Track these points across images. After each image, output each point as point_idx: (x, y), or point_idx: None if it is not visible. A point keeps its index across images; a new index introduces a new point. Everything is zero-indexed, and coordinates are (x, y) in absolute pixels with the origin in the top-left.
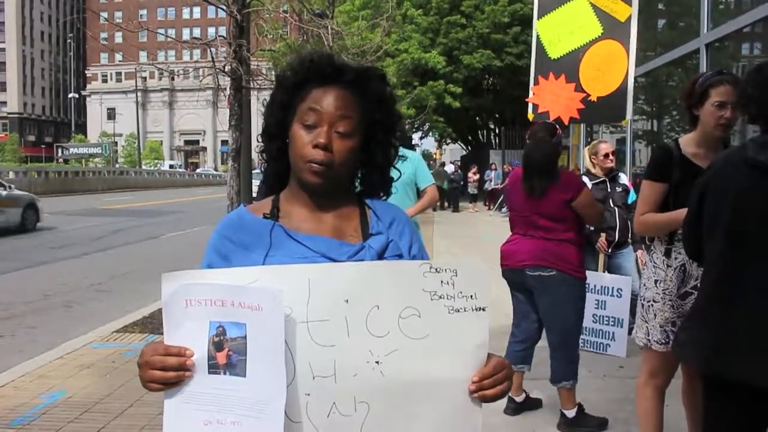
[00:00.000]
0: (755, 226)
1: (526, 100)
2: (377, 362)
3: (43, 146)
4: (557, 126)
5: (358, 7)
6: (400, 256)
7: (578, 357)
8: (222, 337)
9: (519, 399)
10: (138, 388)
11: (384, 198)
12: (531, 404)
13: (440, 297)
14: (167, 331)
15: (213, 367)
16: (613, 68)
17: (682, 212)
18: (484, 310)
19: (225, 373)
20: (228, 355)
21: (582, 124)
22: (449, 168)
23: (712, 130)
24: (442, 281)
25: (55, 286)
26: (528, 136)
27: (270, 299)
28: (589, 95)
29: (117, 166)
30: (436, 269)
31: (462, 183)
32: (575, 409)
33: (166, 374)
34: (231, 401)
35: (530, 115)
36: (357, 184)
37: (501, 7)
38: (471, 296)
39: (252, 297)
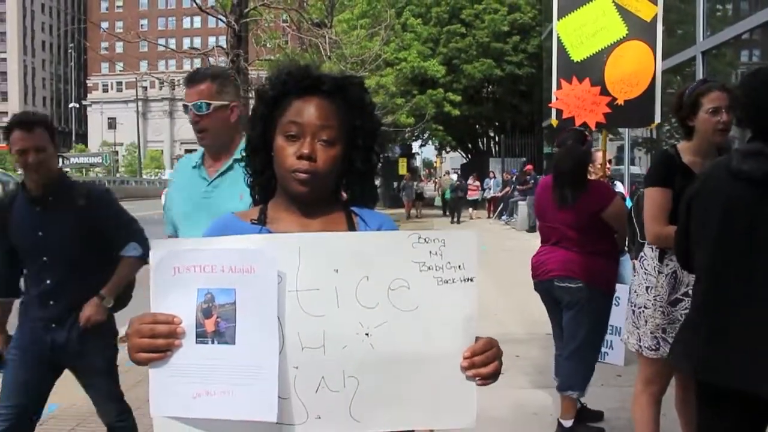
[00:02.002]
0: (742, 235)
1: (550, 105)
2: (367, 334)
3: None
4: (586, 133)
5: (357, 16)
6: None
7: (593, 371)
8: (210, 304)
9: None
10: (132, 399)
11: (371, 205)
12: (592, 416)
13: (429, 268)
14: (154, 300)
15: (201, 336)
16: (639, 70)
17: None
18: (471, 280)
19: (213, 342)
20: (216, 322)
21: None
22: (454, 177)
23: (710, 137)
24: (430, 252)
25: None
26: (556, 144)
27: (262, 260)
28: (615, 99)
29: (117, 175)
30: (425, 239)
31: (464, 193)
32: (573, 420)
33: (155, 341)
34: (220, 371)
35: (554, 121)
36: (344, 192)
37: (501, 16)
38: (459, 266)
39: (243, 259)
